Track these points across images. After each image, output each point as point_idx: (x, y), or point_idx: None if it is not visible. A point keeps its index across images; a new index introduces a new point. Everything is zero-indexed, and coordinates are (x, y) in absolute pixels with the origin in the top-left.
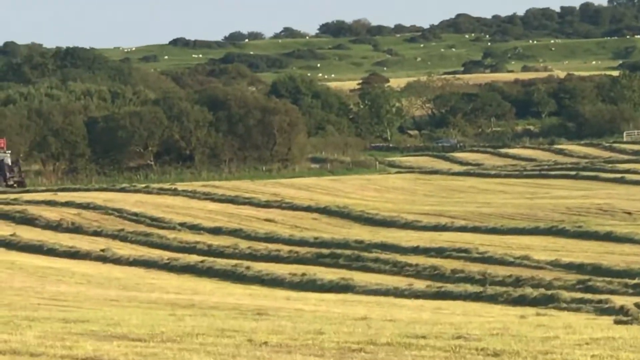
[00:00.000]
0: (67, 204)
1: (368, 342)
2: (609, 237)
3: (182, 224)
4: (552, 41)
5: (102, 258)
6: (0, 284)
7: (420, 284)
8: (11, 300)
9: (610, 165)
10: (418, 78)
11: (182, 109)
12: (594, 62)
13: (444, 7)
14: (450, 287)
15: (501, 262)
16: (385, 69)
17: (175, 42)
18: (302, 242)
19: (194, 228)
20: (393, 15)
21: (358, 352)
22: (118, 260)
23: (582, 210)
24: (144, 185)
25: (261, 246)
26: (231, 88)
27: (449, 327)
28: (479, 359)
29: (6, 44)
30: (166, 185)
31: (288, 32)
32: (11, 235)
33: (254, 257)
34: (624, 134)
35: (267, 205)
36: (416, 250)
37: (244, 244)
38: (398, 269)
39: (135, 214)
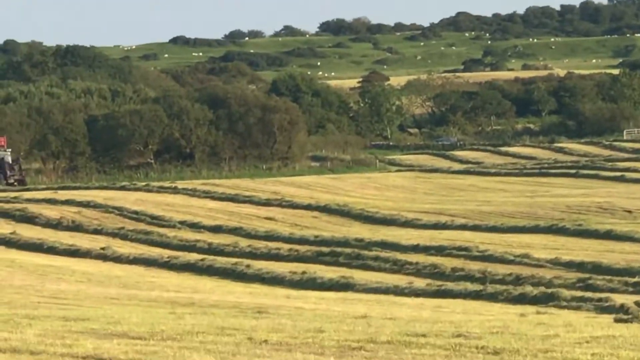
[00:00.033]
0: (68, 202)
1: (368, 341)
2: (609, 235)
3: (182, 222)
4: (552, 39)
5: (102, 256)
6: (0, 282)
7: (420, 282)
8: (11, 299)
9: (610, 163)
10: (418, 76)
11: (182, 107)
12: (594, 61)
13: (444, 5)
14: (450, 285)
15: (501, 260)
16: (385, 67)
17: (175, 41)
18: (302, 241)
19: (194, 226)
20: (393, 14)
21: (358, 350)
22: (118, 259)
23: (582, 209)
24: (144, 183)
25: (261, 244)
26: (231, 86)
27: (449, 326)
28: (479, 357)
29: (6, 42)
30: (166, 184)
31: (288, 31)
32: (11, 233)
33: (254, 255)
34: (624, 133)
35: (267, 203)
36: (416, 249)
37: (244, 242)
38: (398, 268)
39: (136, 212)
